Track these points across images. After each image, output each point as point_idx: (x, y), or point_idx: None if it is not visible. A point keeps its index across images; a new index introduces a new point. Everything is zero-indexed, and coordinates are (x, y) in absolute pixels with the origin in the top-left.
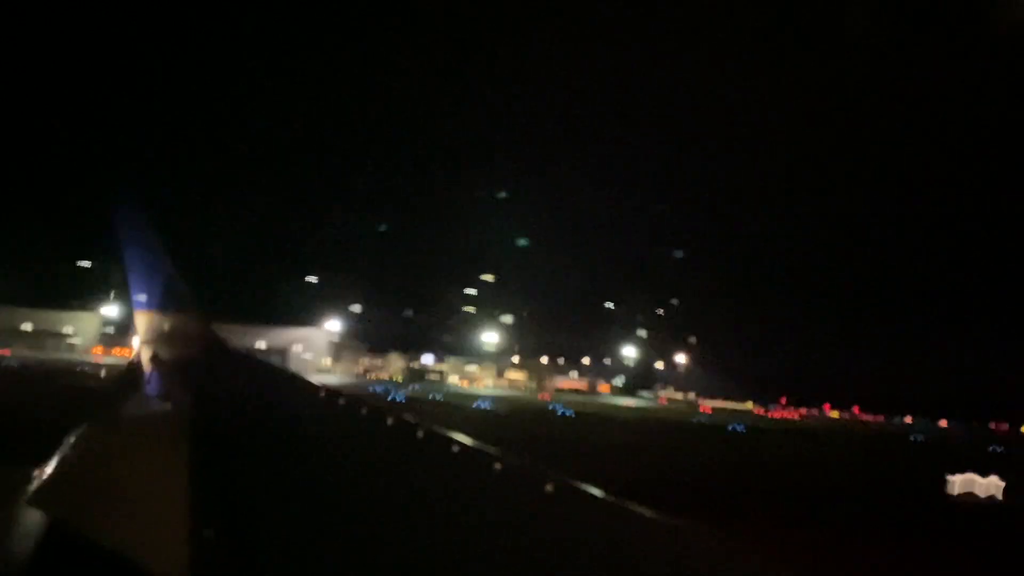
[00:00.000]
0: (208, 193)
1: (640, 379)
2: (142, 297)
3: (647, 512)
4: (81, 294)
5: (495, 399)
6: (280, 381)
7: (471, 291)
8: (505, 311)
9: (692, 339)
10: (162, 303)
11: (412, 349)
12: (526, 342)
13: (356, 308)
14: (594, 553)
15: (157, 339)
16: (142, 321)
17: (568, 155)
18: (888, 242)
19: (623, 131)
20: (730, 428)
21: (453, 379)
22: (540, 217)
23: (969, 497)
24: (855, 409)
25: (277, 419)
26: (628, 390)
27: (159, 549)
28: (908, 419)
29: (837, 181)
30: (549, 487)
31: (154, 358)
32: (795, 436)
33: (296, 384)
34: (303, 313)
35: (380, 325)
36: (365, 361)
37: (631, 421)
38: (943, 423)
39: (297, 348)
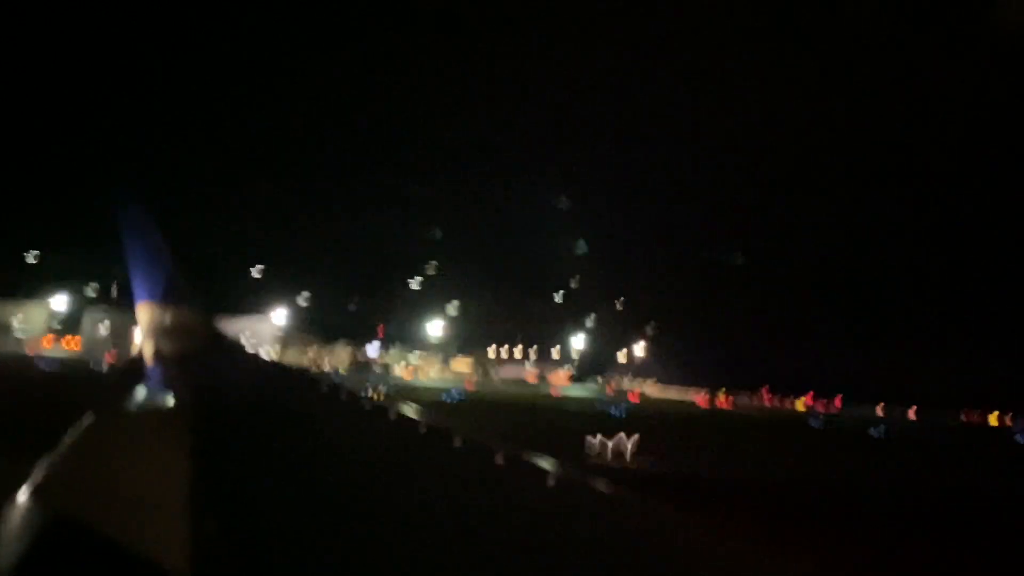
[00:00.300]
0: (154, 180)
1: (590, 368)
2: (143, 290)
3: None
4: (29, 285)
5: (435, 389)
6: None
7: (415, 282)
8: (452, 301)
9: (652, 329)
10: (163, 296)
11: (358, 339)
12: (473, 333)
13: (303, 298)
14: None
15: (159, 333)
16: (144, 314)
17: (524, 142)
18: (868, 235)
19: (580, 120)
20: (612, 412)
21: (398, 370)
22: (491, 207)
23: (599, 459)
24: (837, 400)
25: (280, 414)
26: (577, 379)
27: (161, 543)
28: (879, 409)
29: (805, 175)
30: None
31: (156, 352)
32: (673, 420)
33: (299, 378)
34: (250, 303)
35: (328, 315)
36: (311, 351)
37: (521, 407)
38: (911, 413)
39: (243, 338)
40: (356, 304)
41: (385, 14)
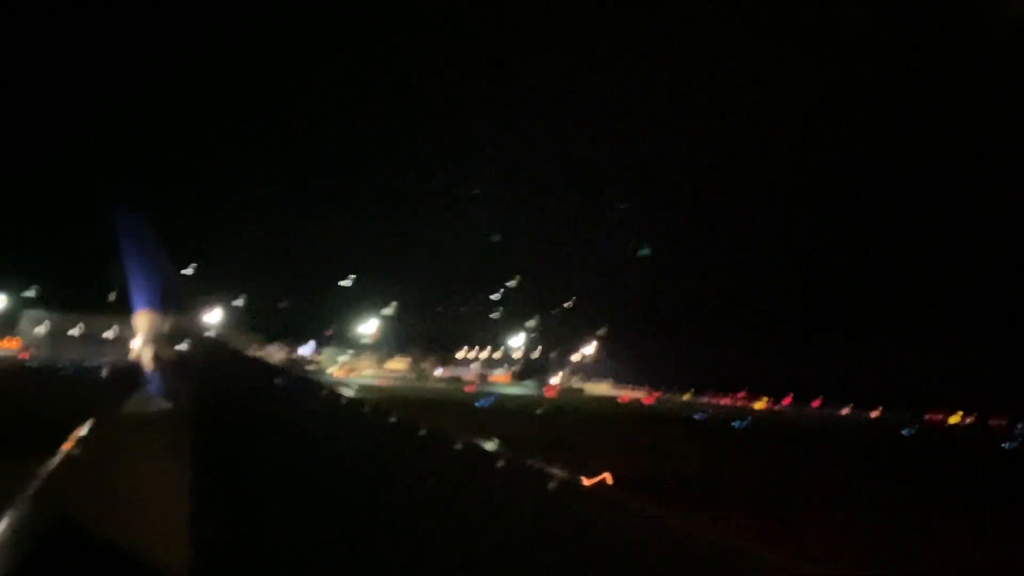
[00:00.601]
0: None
1: (530, 368)
2: (143, 298)
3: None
4: None
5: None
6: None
7: (349, 281)
8: (388, 302)
9: (604, 331)
10: (163, 304)
11: (292, 339)
12: (412, 332)
13: (238, 299)
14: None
15: (158, 338)
16: (143, 321)
17: (467, 139)
18: (840, 231)
19: (522, 114)
20: (477, 403)
21: (332, 369)
22: (438, 206)
23: None
24: (786, 400)
25: (278, 418)
26: (519, 378)
27: (161, 544)
28: (846, 409)
29: (762, 172)
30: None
31: (155, 357)
32: (553, 412)
33: (297, 383)
34: (186, 304)
35: (263, 316)
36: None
37: (410, 399)
38: (875, 413)
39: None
40: (289, 304)
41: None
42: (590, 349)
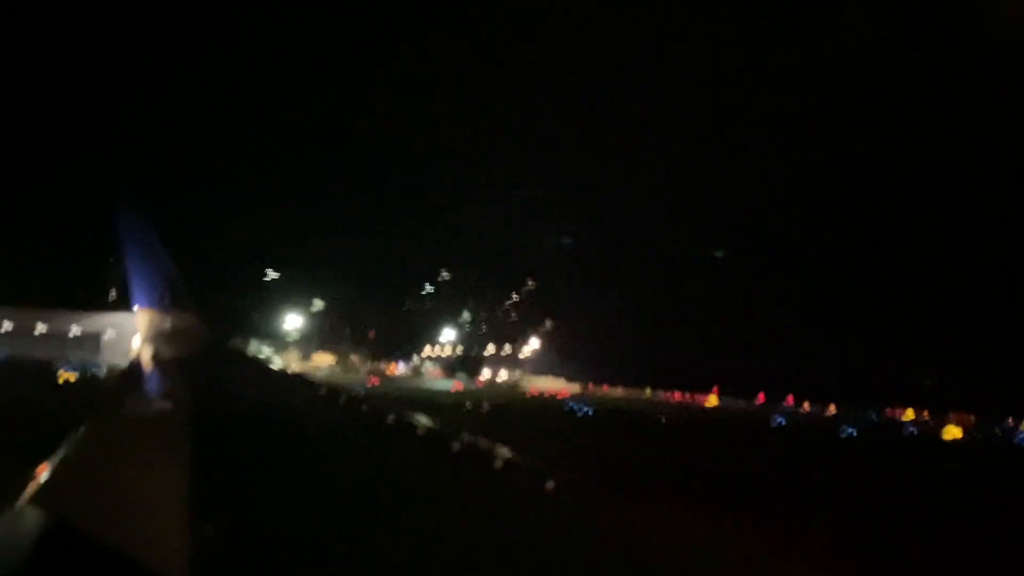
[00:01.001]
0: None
1: (462, 363)
2: (142, 295)
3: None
4: None
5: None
6: (281, 380)
7: (272, 276)
8: (313, 296)
9: (550, 325)
10: (162, 301)
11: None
12: (341, 327)
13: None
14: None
15: (157, 337)
16: (142, 319)
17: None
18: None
19: (445, 100)
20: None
21: None
22: (370, 198)
23: None
24: (761, 396)
25: (278, 418)
26: (451, 372)
27: (160, 548)
28: (790, 401)
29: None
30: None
31: (155, 357)
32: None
33: (297, 383)
34: (118, 298)
35: (195, 311)
36: None
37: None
38: (831, 409)
39: (111, 334)
40: (211, 299)
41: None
42: (535, 344)
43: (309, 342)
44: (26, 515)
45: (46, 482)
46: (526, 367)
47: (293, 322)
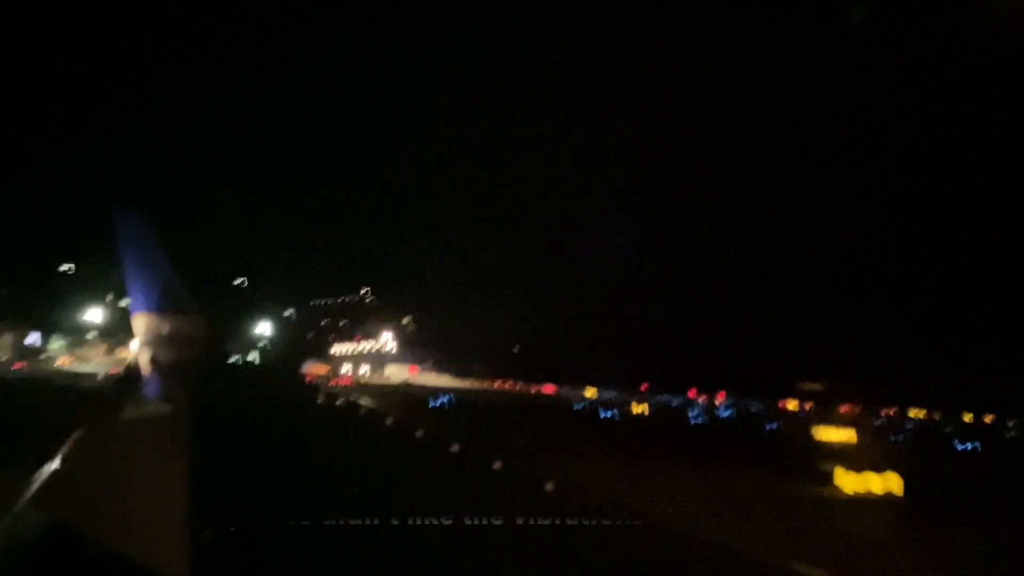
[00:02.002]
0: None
1: (284, 357)
2: (139, 299)
3: None
4: None
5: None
6: (279, 384)
7: (70, 268)
8: (114, 289)
9: (408, 321)
10: (159, 305)
11: (23, 326)
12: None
13: None
14: None
15: (155, 341)
16: (140, 323)
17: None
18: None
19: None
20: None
21: (62, 358)
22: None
23: None
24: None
25: (275, 421)
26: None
27: (160, 549)
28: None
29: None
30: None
31: (152, 360)
32: None
33: (294, 386)
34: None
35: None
36: None
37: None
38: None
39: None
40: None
41: None
42: (389, 338)
43: (117, 334)
44: (26, 517)
45: (46, 484)
46: (378, 360)
47: (93, 316)
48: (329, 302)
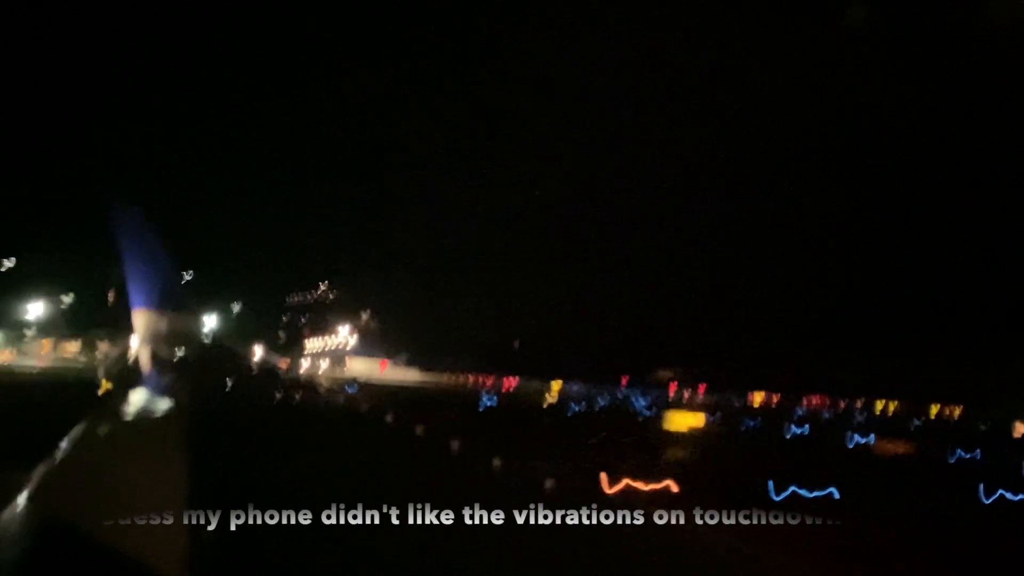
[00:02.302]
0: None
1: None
2: (140, 297)
3: None
4: None
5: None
6: (279, 382)
7: (10, 262)
8: (64, 286)
9: (368, 315)
10: (160, 303)
11: None
12: (89, 316)
13: None
14: None
15: (155, 338)
16: (140, 320)
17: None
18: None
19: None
20: None
21: (2, 354)
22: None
23: None
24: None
25: (277, 419)
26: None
27: (159, 547)
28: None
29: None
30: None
31: (153, 357)
32: None
33: (295, 385)
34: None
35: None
36: None
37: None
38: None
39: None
40: None
41: None
42: (346, 333)
43: (59, 329)
44: (26, 515)
45: (46, 482)
46: (335, 356)
47: (35, 310)
48: (291, 298)
